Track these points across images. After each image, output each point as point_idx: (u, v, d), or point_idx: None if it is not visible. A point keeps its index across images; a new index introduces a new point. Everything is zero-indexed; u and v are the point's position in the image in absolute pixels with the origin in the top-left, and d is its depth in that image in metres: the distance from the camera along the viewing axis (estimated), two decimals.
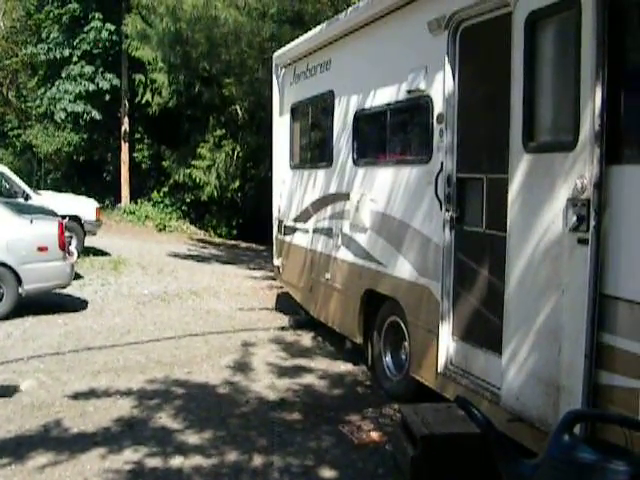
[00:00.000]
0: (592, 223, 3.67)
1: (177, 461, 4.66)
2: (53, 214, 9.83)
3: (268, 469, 4.62)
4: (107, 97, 22.93)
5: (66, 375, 6.47)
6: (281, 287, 10.10)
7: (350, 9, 7.15)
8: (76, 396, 5.91)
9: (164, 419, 5.45)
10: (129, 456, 4.72)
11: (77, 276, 10.87)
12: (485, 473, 4.27)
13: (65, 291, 9.76)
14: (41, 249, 8.73)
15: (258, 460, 4.75)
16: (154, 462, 4.66)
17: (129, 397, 5.92)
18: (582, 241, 3.75)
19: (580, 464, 2.07)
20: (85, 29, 22.40)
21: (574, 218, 3.78)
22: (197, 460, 4.70)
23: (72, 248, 10.24)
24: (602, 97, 3.63)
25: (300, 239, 8.27)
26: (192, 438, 5.09)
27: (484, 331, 4.86)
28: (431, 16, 5.22)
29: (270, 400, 5.99)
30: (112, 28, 22.12)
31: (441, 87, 5.15)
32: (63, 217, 9.81)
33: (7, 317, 8.56)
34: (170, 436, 5.11)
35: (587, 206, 3.69)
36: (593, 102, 3.64)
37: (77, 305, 9.72)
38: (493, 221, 4.76)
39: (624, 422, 2.35)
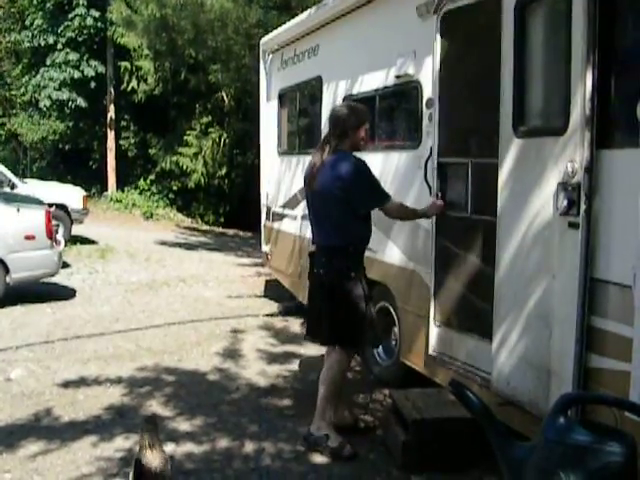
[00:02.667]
0: (582, 207, 3.67)
1: (168, 448, 4.61)
2: (40, 203, 9.77)
3: (260, 455, 4.62)
4: (92, 84, 22.75)
5: (56, 363, 6.45)
6: (269, 274, 10.10)
7: None
8: (66, 384, 5.89)
9: (155, 407, 5.43)
10: (120, 444, 4.70)
11: (65, 265, 10.82)
12: (476, 457, 4.31)
13: (53, 280, 9.71)
14: (28, 238, 8.66)
15: (249, 446, 4.75)
16: None
17: (119, 385, 5.90)
18: (573, 225, 3.76)
19: (575, 446, 2.09)
20: (70, 16, 22.17)
21: (565, 202, 3.78)
22: (188, 447, 4.70)
23: (59, 237, 10.18)
24: (592, 81, 3.62)
25: (288, 226, 8.26)
26: (183, 425, 5.08)
27: (473, 316, 4.88)
28: (420, 0, 5.20)
29: (260, 386, 5.99)
30: (97, 15, 21.92)
31: (430, 72, 5.13)
32: (50, 206, 9.74)
33: None
34: (161, 423, 5.03)
35: (577, 190, 3.69)
36: (584, 86, 3.63)
37: (65, 294, 9.68)
38: (479, 206, 4.76)
39: (619, 404, 2.36)
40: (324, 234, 4.81)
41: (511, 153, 4.24)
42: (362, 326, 4.74)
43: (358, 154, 4.78)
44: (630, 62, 3.42)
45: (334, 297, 4.69)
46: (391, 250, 5.75)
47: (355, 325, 4.70)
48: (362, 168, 4.67)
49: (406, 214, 5.06)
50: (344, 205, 4.61)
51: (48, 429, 4.96)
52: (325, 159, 4.70)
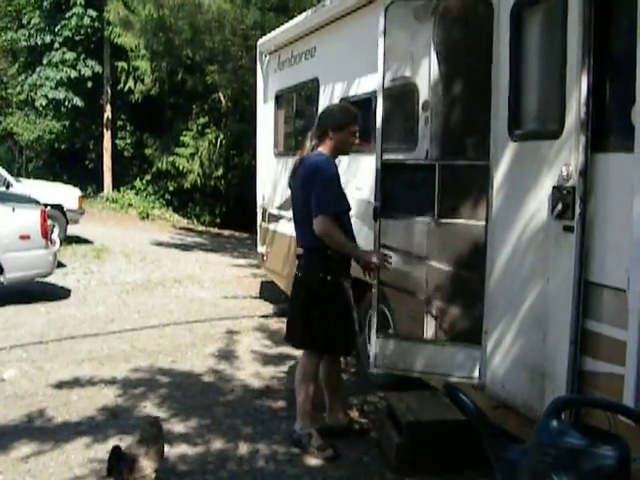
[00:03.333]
0: (577, 211, 3.68)
1: None
2: (35, 202, 9.74)
3: (254, 457, 4.61)
4: (89, 84, 22.78)
5: (49, 364, 6.43)
6: (265, 275, 10.09)
7: None
8: (60, 385, 5.87)
9: (149, 408, 5.42)
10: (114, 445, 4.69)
11: (60, 264, 10.81)
12: (471, 459, 4.31)
13: (48, 280, 9.69)
14: (23, 237, 8.64)
15: (244, 448, 4.74)
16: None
17: (113, 386, 5.89)
18: (567, 228, 3.76)
19: (569, 449, 2.09)
20: (67, 15, 22.22)
21: (559, 206, 3.79)
22: (182, 449, 4.68)
23: (54, 236, 10.17)
24: (588, 85, 3.63)
25: (284, 227, 8.24)
26: (177, 427, 5.07)
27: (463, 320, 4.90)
28: (417, 3, 5.20)
29: (255, 388, 5.98)
30: (94, 14, 21.95)
31: (426, 74, 5.13)
32: (45, 205, 9.73)
33: None
34: None
35: (572, 194, 3.70)
36: (579, 90, 3.64)
37: (60, 294, 9.67)
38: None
39: (612, 408, 2.37)
40: (300, 235, 4.79)
41: (506, 156, 4.24)
42: (337, 332, 4.66)
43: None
44: (625, 66, 3.41)
45: (310, 300, 4.64)
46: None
47: (329, 330, 4.62)
48: (322, 171, 4.54)
49: (333, 239, 4.49)
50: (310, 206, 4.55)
51: (41, 430, 4.94)
52: (304, 158, 4.70)
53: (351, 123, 4.71)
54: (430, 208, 4.74)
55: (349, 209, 4.74)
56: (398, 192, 4.81)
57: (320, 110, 6.61)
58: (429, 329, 5.12)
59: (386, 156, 5.48)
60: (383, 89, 4.59)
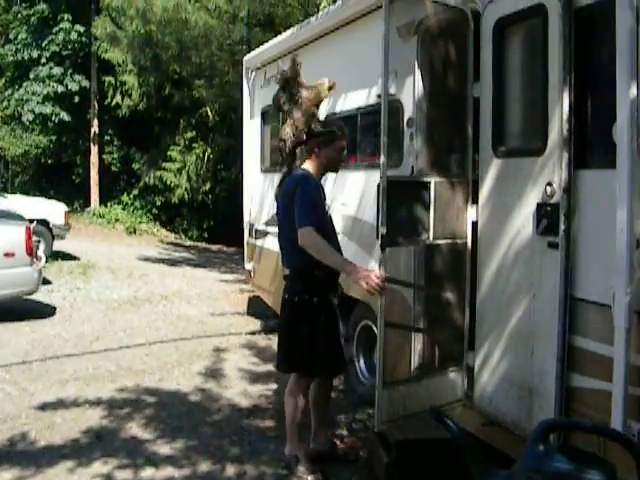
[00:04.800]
0: (562, 227, 3.70)
1: (148, 472, 4.58)
2: (20, 218, 9.69)
3: (241, 479, 4.56)
4: (76, 99, 22.75)
5: (33, 385, 6.34)
6: (252, 291, 10.05)
7: (320, 13, 7.14)
8: (43, 407, 5.79)
9: (134, 429, 5.36)
10: (98, 469, 4.61)
11: (45, 281, 10.71)
12: (459, 478, 4.28)
13: (33, 297, 9.58)
14: (7, 255, 8.55)
15: (231, 470, 4.69)
16: (124, 474, 4.56)
17: (98, 407, 5.81)
18: (552, 245, 3.78)
19: (555, 473, 2.06)
20: (54, 30, 22.20)
21: (544, 222, 3.81)
22: (169, 471, 4.62)
23: (40, 253, 10.07)
24: (569, 102, 3.66)
25: (271, 243, 8.21)
26: (163, 448, 5.01)
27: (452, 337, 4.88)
28: (400, 21, 5.20)
29: (242, 407, 5.93)
30: (81, 29, 21.95)
31: (411, 91, 5.13)
32: (31, 221, 9.67)
33: None
34: (141, 447, 5.02)
35: (556, 210, 3.72)
36: (561, 107, 3.67)
37: (45, 311, 9.56)
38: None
39: (597, 431, 2.34)
40: (286, 255, 4.64)
41: (491, 173, 4.26)
42: (324, 354, 4.52)
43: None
44: (605, 84, 3.43)
45: (297, 323, 4.50)
46: (374, 269, 5.73)
47: (317, 354, 4.48)
48: (302, 186, 4.42)
49: (317, 251, 4.27)
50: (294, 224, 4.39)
51: (23, 454, 4.85)
52: (288, 174, 4.66)
53: (338, 139, 4.63)
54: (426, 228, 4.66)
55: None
56: (404, 213, 4.62)
57: None
58: (417, 346, 5.11)
59: (375, 173, 5.47)
60: (386, 102, 4.35)
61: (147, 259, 16.15)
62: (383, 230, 4.14)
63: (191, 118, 21.66)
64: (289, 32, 7.85)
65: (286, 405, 4.69)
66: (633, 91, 3.22)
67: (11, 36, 23.51)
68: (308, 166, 4.62)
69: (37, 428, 5.33)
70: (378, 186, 4.28)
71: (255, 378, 6.74)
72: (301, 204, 4.34)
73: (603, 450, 3.08)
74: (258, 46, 9.18)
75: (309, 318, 4.45)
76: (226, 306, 10.68)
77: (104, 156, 24.00)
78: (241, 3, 13.47)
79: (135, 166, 21.95)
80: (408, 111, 5.20)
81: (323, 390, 4.89)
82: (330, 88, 4.88)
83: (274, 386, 6.46)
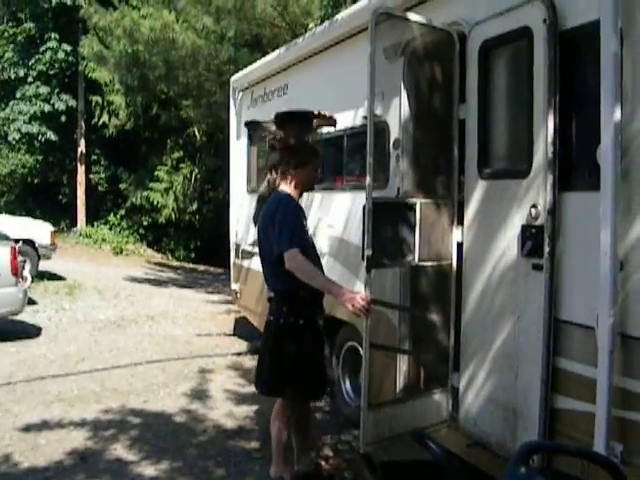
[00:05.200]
0: (546, 249, 3.72)
1: None
2: (6, 238, 9.64)
3: None
4: (63, 118, 22.70)
5: (17, 407, 6.30)
6: (239, 311, 10.03)
7: (307, 34, 7.19)
8: (27, 428, 5.75)
9: (119, 450, 5.33)
10: None
11: (31, 302, 10.67)
12: None
13: (18, 317, 9.51)
14: None
15: None
16: None
17: (83, 428, 5.78)
18: (537, 267, 3.80)
19: None
20: (41, 49, 22.22)
21: (529, 244, 3.83)
22: None
23: (26, 273, 10.03)
24: (554, 125, 3.69)
25: (257, 264, 8.15)
26: (148, 470, 4.98)
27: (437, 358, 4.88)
28: (387, 43, 5.25)
29: (228, 428, 5.91)
30: (68, 49, 21.97)
31: (397, 113, 5.17)
32: (16, 241, 9.62)
33: None
34: (125, 468, 5.00)
35: (541, 232, 3.74)
36: (546, 130, 3.70)
37: (30, 332, 9.52)
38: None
39: (579, 453, 2.35)
40: (269, 278, 4.61)
41: (476, 195, 4.28)
42: (307, 378, 4.50)
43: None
44: (590, 107, 3.46)
45: (280, 346, 4.44)
46: (360, 290, 5.74)
47: (299, 377, 4.46)
48: (283, 208, 4.39)
49: (304, 274, 4.25)
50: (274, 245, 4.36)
51: (6, 476, 4.81)
52: (268, 195, 4.64)
53: (310, 160, 4.63)
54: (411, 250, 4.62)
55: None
56: (389, 234, 4.58)
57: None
58: (403, 368, 5.11)
59: (361, 194, 5.47)
60: (372, 124, 4.37)
61: (134, 279, 16.10)
62: (369, 252, 4.14)
63: (178, 138, 21.69)
64: (275, 53, 7.90)
65: (272, 427, 4.67)
66: (617, 114, 3.25)
67: None
68: (286, 188, 4.58)
69: (21, 449, 5.29)
70: (364, 207, 4.28)
71: (241, 399, 6.71)
72: (285, 227, 4.30)
73: (587, 473, 3.08)
74: (245, 66, 9.23)
75: (295, 340, 4.41)
76: (212, 327, 10.64)
77: (91, 176, 23.94)
78: (229, 23, 13.48)
79: (122, 186, 21.93)
80: (394, 132, 5.23)
81: (304, 412, 4.88)
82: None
83: (260, 407, 6.42)
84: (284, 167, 4.59)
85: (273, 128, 4.75)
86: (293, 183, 4.58)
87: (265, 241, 4.52)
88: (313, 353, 4.54)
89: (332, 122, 5.22)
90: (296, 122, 4.80)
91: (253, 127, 4.92)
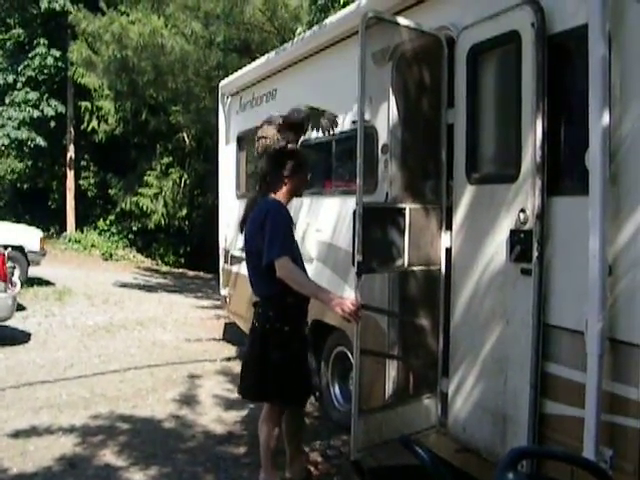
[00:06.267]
0: (535, 254, 3.72)
1: None
2: None
3: None
4: (52, 124, 22.66)
5: (6, 413, 6.26)
6: (228, 317, 10.00)
7: (295, 39, 7.19)
8: (16, 434, 5.71)
9: (108, 456, 5.30)
10: None
11: (20, 307, 10.62)
12: None
13: (7, 323, 9.44)
14: None
15: None
16: None
17: (72, 434, 5.75)
18: (525, 271, 3.80)
19: None
20: (30, 55, 22.17)
21: (517, 249, 3.83)
22: None
23: (15, 279, 9.98)
24: (543, 129, 3.69)
25: (247, 269, 8.19)
26: (137, 475, 4.96)
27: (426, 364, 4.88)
28: (375, 47, 5.25)
29: (217, 434, 5.89)
30: (57, 54, 21.92)
31: (385, 118, 5.17)
32: (5, 247, 9.58)
33: None
34: (114, 474, 4.97)
35: (530, 237, 3.74)
36: (534, 134, 3.70)
37: (19, 338, 9.46)
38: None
39: (567, 459, 2.34)
40: (255, 283, 4.59)
41: (465, 199, 4.28)
42: (291, 383, 4.46)
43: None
44: (578, 111, 3.47)
45: (265, 352, 4.41)
46: (348, 295, 5.71)
47: (283, 383, 4.42)
48: (272, 216, 4.35)
49: (296, 282, 4.25)
50: (262, 253, 4.33)
51: None
52: (257, 202, 4.62)
53: (303, 167, 4.64)
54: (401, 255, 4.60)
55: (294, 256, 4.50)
56: (379, 239, 4.55)
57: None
58: (392, 373, 5.10)
59: (349, 199, 5.47)
60: (362, 128, 4.30)
61: (123, 285, 16.05)
62: (359, 257, 4.14)
63: (168, 143, 21.67)
64: (264, 58, 7.89)
65: (260, 432, 4.64)
66: (605, 118, 3.26)
67: None
68: (275, 194, 4.56)
69: (9, 456, 5.26)
70: (354, 213, 4.27)
71: (230, 405, 6.69)
72: (275, 234, 4.28)
73: (576, 478, 3.08)
74: (234, 72, 9.22)
75: (280, 346, 4.39)
76: (201, 332, 10.62)
77: (80, 181, 23.88)
78: (217, 29, 13.49)
79: (111, 191, 21.87)
80: (382, 137, 5.23)
81: (296, 418, 4.86)
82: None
83: (248, 413, 6.41)
84: (278, 173, 4.56)
85: (272, 132, 4.70)
86: (285, 189, 4.56)
87: (253, 246, 4.49)
88: (298, 359, 4.52)
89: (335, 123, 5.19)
90: (296, 127, 4.78)
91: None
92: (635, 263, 3.25)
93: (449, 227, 4.59)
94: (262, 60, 7.93)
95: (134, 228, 22.45)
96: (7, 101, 22.49)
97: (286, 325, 4.40)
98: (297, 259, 4.48)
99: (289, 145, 4.70)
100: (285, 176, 4.54)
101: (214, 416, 6.35)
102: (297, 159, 4.64)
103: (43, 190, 24.80)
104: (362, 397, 4.42)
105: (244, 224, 4.67)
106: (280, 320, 4.40)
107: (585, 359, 3.34)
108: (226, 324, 10.12)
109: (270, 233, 4.27)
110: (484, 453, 4.10)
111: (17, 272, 12.66)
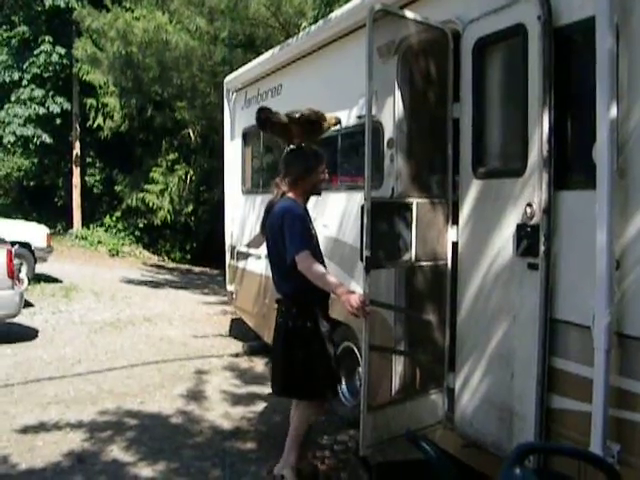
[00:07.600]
0: (542, 248, 3.70)
1: None
2: (2, 241, 9.61)
3: None
4: (58, 121, 22.64)
5: (14, 408, 6.28)
6: (235, 312, 10.01)
7: (300, 34, 7.18)
8: (25, 430, 5.73)
9: (116, 452, 5.31)
10: None
11: (27, 304, 10.65)
12: None
13: (15, 320, 9.45)
14: None
15: None
16: None
17: (80, 430, 5.76)
18: (532, 266, 3.78)
19: None
20: (35, 52, 22.14)
21: (524, 243, 3.81)
22: None
23: (22, 275, 10.04)
24: (549, 123, 3.67)
25: (253, 265, 8.21)
26: (145, 471, 4.97)
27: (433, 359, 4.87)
28: (381, 41, 5.24)
29: (224, 429, 5.89)
30: (63, 51, 21.87)
31: (391, 112, 5.16)
32: (12, 244, 9.60)
33: None
34: (122, 469, 4.98)
35: (536, 231, 3.73)
36: (541, 128, 3.68)
37: (27, 334, 9.48)
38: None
39: (574, 454, 2.34)
40: (277, 282, 4.67)
41: (471, 194, 4.26)
42: (318, 377, 4.53)
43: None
44: (585, 104, 3.45)
45: (290, 348, 4.51)
46: (356, 289, 5.73)
47: (310, 377, 4.50)
48: (288, 216, 4.43)
49: (314, 275, 4.30)
50: (283, 253, 4.43)
51: (4, 478, 4.80)
52: (275, 204, 4.64)
53: (317, 166, 4.65)
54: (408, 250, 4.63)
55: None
56: (387, 234, 4.58)
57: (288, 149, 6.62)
58: (399, 368, 5.10)
59: (355, 194, 5.44)
60: (370, 122, 4.31)
61: (130, 281, 16.08)
62: (367, 252, 4.13)
63: (173, 140, 21.64)
64: (269, 53, 7.89)
65: (292, 420, 4.70)
66: (613, 111, 3.24)
67: None
68: (292, 194, 4.61)
69: (18, 451, 5.28)
70: (362, 208, 4.28)
71: (237, 400, 6.70)
72: (293, 233, 4.37)
73: (583, 473, 3.08)
74: (239, 67, 9.21)
75: (305, 342, 4.48)
76: (208, 328, 10.63)
77: (86, 178, 23.88)
78: (222, 24, 13.48)
79: (117, 188, 21.86)
80: (388, 132, 5.21)
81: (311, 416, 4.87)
82: (335, 124, 4.99)
83: (256, 408, 6.43)
84: (292, 175, 4.60)
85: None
86: (302, 189, 4.62)
87: (273, 251, 4.61)
88: (322, 353, 4.56)
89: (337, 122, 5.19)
90: (313, 125, 4.80)
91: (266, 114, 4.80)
92: None
93: (455, 222, 4.58)
94: (267, 55, 7.92)
95: (140, 224, 22.46)
96: (13, 98, 22.47)
97: (309, 321, 4.49)
98: (317, 255, 4.54)
99: (304, 143, 4.73)
100: (300, 175, 4.58)
101: (221, 411, 6.35)
102: (312, 157, 4.67)
103: (49, 187, 24.81)
104: (369, 393, 4.43)
105: (264, 227, 4.72)
106: (303, 317, 4.49)
107: (592, 354, 3.33)
108: (232, 320, 10.11)
109: (288, 232, 4.36)
110: (491, 448, 4.09)
111: (24, 269, 12.72)
